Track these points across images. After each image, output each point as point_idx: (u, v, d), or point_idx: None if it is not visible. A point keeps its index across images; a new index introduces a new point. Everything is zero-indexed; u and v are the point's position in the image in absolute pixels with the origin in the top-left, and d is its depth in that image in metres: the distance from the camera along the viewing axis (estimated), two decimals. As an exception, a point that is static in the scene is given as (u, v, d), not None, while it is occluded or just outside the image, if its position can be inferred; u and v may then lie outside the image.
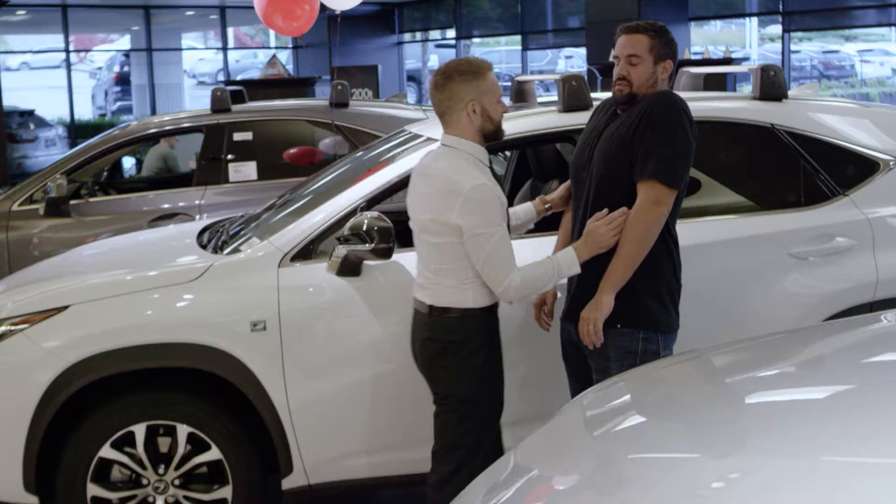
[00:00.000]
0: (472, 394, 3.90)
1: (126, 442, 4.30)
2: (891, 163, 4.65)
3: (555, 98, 4.91)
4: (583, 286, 3.94)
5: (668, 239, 3.90)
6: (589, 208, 3.93)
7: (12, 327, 4.29)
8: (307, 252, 4.33)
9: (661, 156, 3.78)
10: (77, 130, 22.26)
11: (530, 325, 4.33)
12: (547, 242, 4.43)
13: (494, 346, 3.93)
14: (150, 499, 4.33)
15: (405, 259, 4.31)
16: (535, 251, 4.42)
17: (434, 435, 3.99)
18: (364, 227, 4.13)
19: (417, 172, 3.95)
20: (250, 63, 27.21)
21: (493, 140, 3.93)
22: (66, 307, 4.29)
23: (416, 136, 4.86)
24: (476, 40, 24.15)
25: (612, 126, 3.93)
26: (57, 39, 23.41)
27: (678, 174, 3.81)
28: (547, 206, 4.30)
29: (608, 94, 4.14)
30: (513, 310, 4.29)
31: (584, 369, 4.02)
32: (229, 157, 7.56)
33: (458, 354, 3.86)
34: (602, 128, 4.00)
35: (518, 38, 21.40)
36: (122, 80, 27.16)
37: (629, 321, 3.86)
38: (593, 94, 4.66)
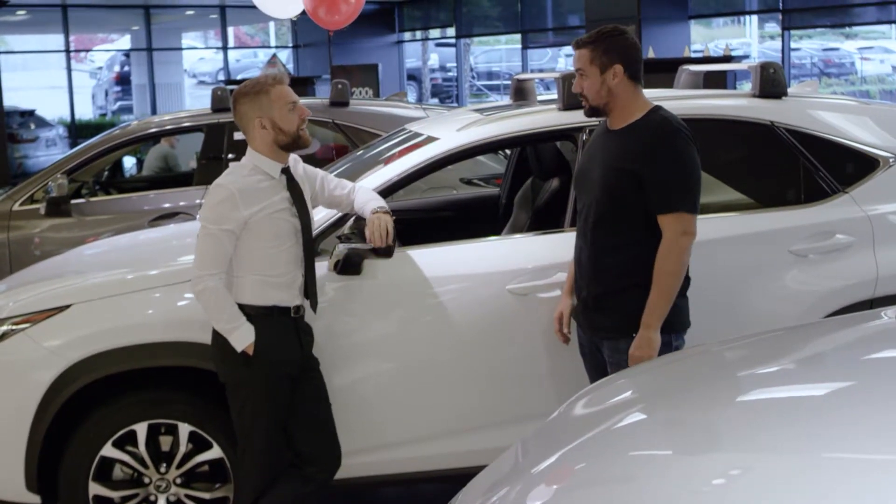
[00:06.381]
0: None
1: (128, 441, 4.30)
2: (890, 160, 4.65)
3: (555, 96, 4.92)
4: (589, 291, 4.01)
5: None
6: (590, 228, 3.99)
7: (14, 327, 4.30)
8: (308, 251, 4.34)
9: (681, 187, 3.85)
10: (78, 130, 22.26)
11: (533, 321, 4.34)
12: (541, 240, 4.45)
13: (264, 349, 4.00)
14: (152, 497, 4.33)
15: (407, 258, 4.32)
16: (533, 248, 4.43)
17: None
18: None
19: None
20: (251, 62, 27.21)
21: (295, 149, 4.07)
22: (67, 306, 4.30)
23: (417, 135, 4.86)
24: (476, 39, 24.15)
25: (608, 148, 3.97)
26: (57, 39, 23.40)
27: (698, 199, 3.91)
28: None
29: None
30: (517, 307, 4.30)
31: (602, 364, 4.05)
32: (230, 156, 7.55)
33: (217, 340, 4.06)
34: (594, 143, 4.07)
35: (518, 36, 21.39)
36: (123, 80, 27.16)
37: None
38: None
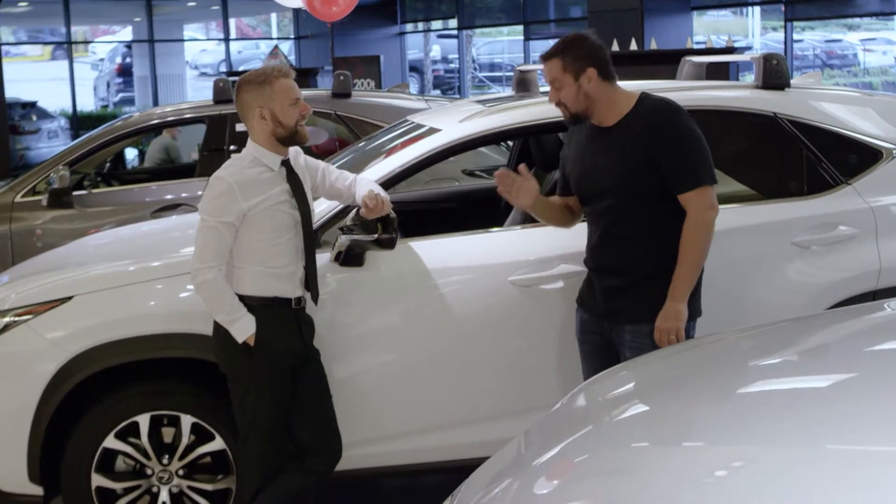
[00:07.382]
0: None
1: (130, 432, 4.30)
2: (894, 151, 4.64)
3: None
4: (612, 280, 3.99)
5: None
6: (612, 224, 3.98)
7: (16, 318, 4.29)
8: (310, 242, 4.33)
9: (697, 161, 3.87)
10: (79, 122, 22.25)
11: (536, 313, 4.34)
12: (544, 231, 4.44)
13: (266, 341, 4.00)
14: (155, 489, 4.33)
15: (409, 249, 4.32)
16: (535, 240, 4.43)
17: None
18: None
19: None
20: (252, 54, 27.20)
21: (292, 144, 4.04)
22: (69, 298, 4.30)
23: (419, 126, 4.86)
24: (478, 30, 24.11)
25: (612, 146, 3.94)
26: (59, 31, 23.38)
27: (713, 170, 3.93)
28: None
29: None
30: (520, 298, 4.30)
31: (600, 351, 4.06)
32: (231, 147, 7.56)
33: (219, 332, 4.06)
34: (588, 145, 4.02)
35: (520, 28, 21.36)
36: (125, 72, 27.18)
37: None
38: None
